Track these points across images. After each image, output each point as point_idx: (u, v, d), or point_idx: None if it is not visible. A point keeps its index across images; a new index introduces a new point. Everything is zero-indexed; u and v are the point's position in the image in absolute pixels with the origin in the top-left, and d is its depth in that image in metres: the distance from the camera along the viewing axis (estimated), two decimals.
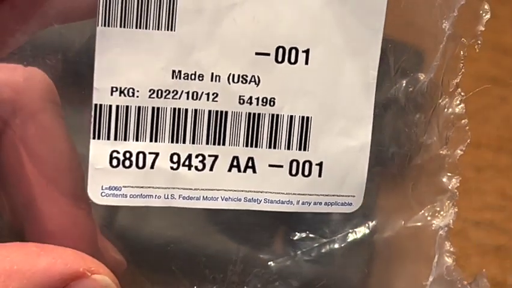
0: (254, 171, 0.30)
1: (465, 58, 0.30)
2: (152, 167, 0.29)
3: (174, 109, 0.29)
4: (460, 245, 0.43)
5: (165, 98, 0.29)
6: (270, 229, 0.33)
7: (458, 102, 0.31)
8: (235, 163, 0.30)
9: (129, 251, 0.32)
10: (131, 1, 0.28)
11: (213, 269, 0.33)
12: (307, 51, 0.29)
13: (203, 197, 0.30)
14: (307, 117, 0.30)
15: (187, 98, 0.29)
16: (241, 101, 0.29)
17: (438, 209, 0.33)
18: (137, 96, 0.29)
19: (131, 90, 0.28)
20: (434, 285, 0.32)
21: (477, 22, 0.30)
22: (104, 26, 0.28)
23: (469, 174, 0.48)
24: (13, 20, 0.28)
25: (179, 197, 0.30)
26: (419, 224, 0.33)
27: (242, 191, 0.30)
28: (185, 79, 0.29)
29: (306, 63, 0.29)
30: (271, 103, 0.30)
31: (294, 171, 0.30)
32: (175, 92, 0.29)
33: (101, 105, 0.28)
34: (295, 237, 0.34)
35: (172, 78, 0.29)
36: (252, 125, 0.30)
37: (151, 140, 0.29)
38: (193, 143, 0.29)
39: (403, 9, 0.30)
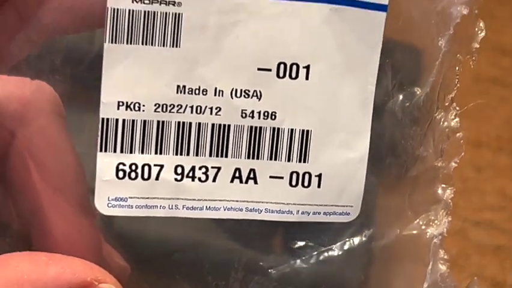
0: (255, 182, 0.30)
1: (463, 63, 0.31)
2: (157, 178, 0.29)
3: (179, 123, 0.29)
4: (460, 245, 0.43)
5: (170, 112, 0.29)
6: (270, 238, 0.33)
7: (453, 116, 0.32)
8: (237, 174, 0.30)
9: (133, 258, 0.32)
10: (137, 19, 0.28)
11: (215, 276, 0.34)
12: (307, 67, 0.29)
13: (206, 207, 0.30)
14: (307, 131, 0.30)
15: (191, 112, 0.29)
16: (244, 115, 0.30)
17: (432, 218, 0.33)
18: (143, 110, 0.29)
19: (137, 105, 0.29)
20: None
21: (472, 39, 0.31)
22: (112, 42, 0.28)
23: (468, 174, 0.48)
24: (17, 28, 0.29)
25: (183, 207, 0.30)
26: (415, 232, 0.33)
27: (244, 201, 0.30)
28: (189, 94, 0.29)
29: (307, 78, 0.30)
30: (273, 117, 0.30)
31: (294, 182, 0.30)
32: (179, 106, 0.29)
33: (108, 119, 0.29)
34: (295, 246, 0.34)
35: (177, 92, 0.29)
36: (254, 138, 0.30)
37: (156, 153, 0.29)
38: (197, 155, 0.30)
39: (401, 26, 0.30)
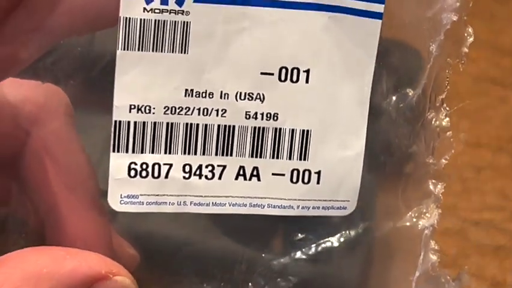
0: (259, 179, 0.31)
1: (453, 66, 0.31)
2: (166, 176, 0.30)
3: (186, 124, 0.30)
4: (460, 245, 0.43)
5: (178, 114, 0.30)
6: (272, 231, 0.34)
7: (443, 116, 0.32)
8: (241, 172, 0.31)
9: (143, 254, 0.33)
10: (148, 28, 0.28)
11: (220, 269, 0.35)
12: (307, 71, 0.30)
13: (212, 203, 0.31)
14: (307, 131, 0.31)
15: (199, 114, 0.30)
16: (248, 116, 0.30)
17: (424, 210, 0.34)
18: (153, 113, 0.30)
19: (147, 108, 0.30)
20: (420, 280, 0.33)
21: (461, 44, 0.31)
22: (124, 50, 0.29)
23: (468, 175, 0.47)
24: (29, 31, 0.29)
25: (190, 203, 0.31)
26: (407, 224, 0.34)
27: (248, 197, 0.31)
28: (196, 97, 0.30)
29: (307, 81, 0.30)
30: (275, 118, 0.31)
31: (294, 179, 0.31)
32: (187, 109, 0.30)
33: (120, 121, 0.29)
34: (296, 238, 0.35)
35: (185, 96, 0.30)
36: (257, 138, 0.31)
37: (165, 152, 0.30)
38: (204, 154, 0.30)
39: (394, 33, 0.31)
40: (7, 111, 0.31)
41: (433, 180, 0.33)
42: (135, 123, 0.30)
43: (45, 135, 0.31)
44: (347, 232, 0.35)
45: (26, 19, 0.28)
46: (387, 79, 0.32)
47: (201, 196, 0.31)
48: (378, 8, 0.30)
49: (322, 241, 0.35)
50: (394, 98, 0.33)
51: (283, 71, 0.30)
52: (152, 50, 0.29)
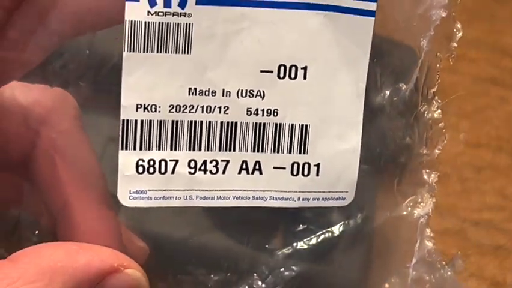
0: (261, 173, 0.32)
1: (441, 70, 0.32)
2: (173, 172, 0.31)
3: (191, 121, 0.31)
4: (459, 245, 0.43)
5: (183, 112, 0.31)
6: (275, 223, 0.35)
7: (435, 108, 0.33)
8: (244, 166, 0.32)
9: (151, 246, 0.34)
10: (152, 30, 0.29)
11: (226, 259, 0.35)
12: (305, 68, 0.31)
13: (217, 196, 0.32)
14: (306, 125, 0.32)
15: (202, 112, 0.31)
16: (249, 113, 0.31)
17: (419, 200, 0.34)
18: (159, 112, 0.30)
19: (153, 106, 0.30)
20: (417, 266, 0.34)
21: (451, 39, 0.32)
22: (130, 51, 0.29)
23: (468, 175, 0.47)
24: (38, 31, 0.29)
25: (196, 197, 0.32)
26: (403, 213, 0.34)
27: (251, 190, 0.32)
28: (200, 95, 0.31)
29: (305, 78, 0.31)
30: (275, 114, 0.31)
31: (295, 172, 0.32)
32: (191, 107, 0.31)
33: (128, 120, 0.30)
34: (297, 229, 0.35)
35: (189, 94, 0.30)
36: (258, 133, 0.31)
37: (171, 149, 0.31)
38: (208, 150, 0.31)
39: (387, 30, 0.32)
40: (17, 113, 0.31)
41: (427, 170, 0.34)
42: (142, 121, 0.30)
43: (55, 136, 0.31)
44: (346, 222, 0.35)
45: (30, 21, 0.29)
46: (381, 74, 0.33)
47: (206, 190, 0.32)
48: (371, 6, 0.31)
49: (323, 231, 0.35)
50: (388, 92, 0.34)
51: (282, 68, 0.31)
52: (157, 51, 0.30)
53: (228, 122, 0.31)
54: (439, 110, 0.33)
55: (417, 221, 0.34)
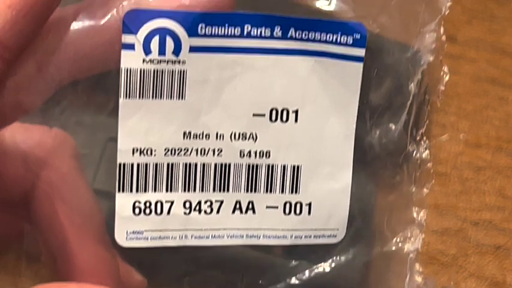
0: (254, 212, 0.32)
1: (432, 106, 0.32)
2: (168, 213, 0.31)
3: (186, 164, 0.31)
4: (459, 245, 0.43)
5: (178, 155, 0.31)
6: (268, 259, 0.35)
7: (423, 149, 0.34)
8: (237, 206, 0.32)
9: (150, 280, 0.34)
10: (147, 77, 0.30)
11: None
12: (296, 111, 0.32)
13: (212, 236, 0.32)
14: (298, 166, 0.32)
15: (197, 154, 0.31)
16: (242, 155, 0.32)
17: (408, 235, 0.35)
18: (155, 155, 0.31)
19: (149, 150, 0.31)
20: None
21: (438, 82, 0.33)
22: (126, 98, 0.30)
23: (468, 175, 0.47)
24: (36, 77, 0.30)
25: (191, 237, 0.32)
26: (393, 248, 0.35)
27: (244, 229, 0.32)
28: (194, 139, 0.31)
29: (296, 121, 0.32)
30: (267, 155, 0.32)
31: (287, 211, 0.32)
32: (186, 150, 0.31)
33: (124, 163, 0.31)
34: (290, 265, 0.36)
35: (184, 138, 0.31)
36: (251, 174, 0.32)
37: (167, 191, 0.31)
38: (202, 191, 0.32)
39: (376, 74, 0.33)
40: (18, 155, 0.32)
41: (416, 208, 0.35)
42: (138, 164, 0.31)
43: (54, 177, 0.32)
44: (338, 258, 0.36)
45: (29, 70, 0.29)
46: (371, 116, 0.33)
47: (201, 230, 0.32)
48: (360, 52, 0.31)
49: (315, 267, 0.36)
50: (377, 133, 0.34)
51: (274, 112, 0.31)
52: (152, 97, 0.30)
53: (221, 164, 0.32)
54: (427, 151, 0.34)
55: (407, 256, 0.35)
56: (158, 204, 0.31)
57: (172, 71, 0.30)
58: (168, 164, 0.31)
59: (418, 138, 0.34)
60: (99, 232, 0.32)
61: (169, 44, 0.30)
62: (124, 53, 0.29)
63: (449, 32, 0.50)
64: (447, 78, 0.32)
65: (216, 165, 0.32)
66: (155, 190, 0.31)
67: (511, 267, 0.43)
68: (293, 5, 0.31)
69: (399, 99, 0.33)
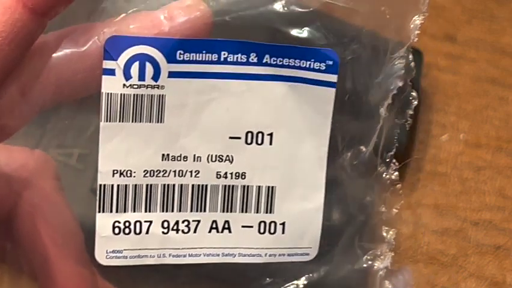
0: (230, 232, 0.33)
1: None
2: (147, 232, 0.32)
3: (164, 185, 0.32)
4: (459, 245, 0.43)
5: (156, 176, 0.32)
6: (243, 277, 0.36)
7: (393, 170, 0.35)
8: (214, 226, 0.33)
9: None
10: (127, 101, 0.30)
11: None
12: (271, 134, 0.32)
13: (189, 254, 0.33)
14: (272, 187, 0.33)
15: (175, 176, 0.32)
16: (218, 176, 0.32)
17: (378, 253, 0.36)
18: (134, 176, 0.31)
19: (128, 172, 0.31)
20: None
21: (407, 106, 0.34)
22: (106, 121, 0.31)
23: (468, 175, 0.46)
24: (19, 101, 0.30)
25: (169, 255, 0.33)
26: (364, 266, 0.35)
27: (220, 247, 0.33)
28: (172, 160, 0.32)
29: (271, 143, 0.32)
30: (243, 177, 0.33)
31: (262, 230, 0.33)
32: (164, 171, 0.32)
33: (104, 185, 0.31)
34: (264, 282, 0.36)
35: (162, 160, 0.32)
36: (227, 195, 0.33)
37: (145, 211, 0.32)
38: (180, 211, 0.32)
39: (347, 99, 0.33)
40: (1, 176, 0.32)
41: (386, 227, 0.35)
42: (118, 186, 0.31)
43: (36, 197, 0.32)
44: (310, 275, 0.36)
45: (12, 95, 0.30)
46: (342, 139, 0.34)
47: (179, 248, 0.33)
48: (332, 78, 0.32)
49: (287, 284, 0.36)
50: (349, 155, 0.35)
51: (249, 135, 0.32)
52: (132, 121, 0.31)
53: (198, 185, 0.32)
54: (397, 172, 0.34)
55: (377, 273, 0.35)
56: (137, 224, 0.32)
57: (152, 96, 0.31)
58: (147, 185, 0.32)
59: (388, 160, 0.35)
60: (79, 251, 0.33)
61: (149, 69, 0.30)
62: (105, 78, 0.30)
63: (449, 32, 0.51)
64: (415, 102, 0.33)
65: (193, 186, 0.32)
66: (134, 210, 0.32)
67: (511, 267, 0.43)
68: (268, 32, 0.32)
69: (370, 123, 0.34)
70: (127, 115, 0.31)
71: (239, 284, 0.36)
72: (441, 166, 0.45)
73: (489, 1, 0.53)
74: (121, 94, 0.30)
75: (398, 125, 0.34)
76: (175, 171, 0.32)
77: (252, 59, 0.32)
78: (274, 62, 0.32)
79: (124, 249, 0.32)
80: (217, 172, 0.32)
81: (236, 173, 0.33)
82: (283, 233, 0.33)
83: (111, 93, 0.30)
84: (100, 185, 0.31)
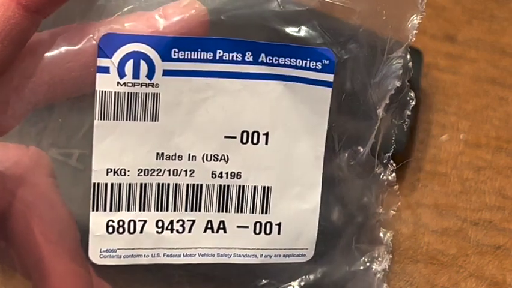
0: (225, 232, 0.33)
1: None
2: (141, 231, 0.32)
3: (158, 184, 0.32)
4: (459, 245, 0.42)
5: (151, 175, 0.31)
6: (239, 278, 0.35)
7: (390, 172, 0.34)
8: (209, 225, 0.32)
9: None
10: (122, 99, 0.30)
11: None
12: (267, 134, 0.32)
13: (183, 254, 0.32)
14: (268, 187, 0.33)
15: (169, 175, 0.32)
16: (213, 176, 0.32)
17: (376, 255, 0.35)
18: (128, 175, 0.31)
19: (123, 171, 0.31)
20: None
21: (405, 107, 0.33)
22: (100, 119, 0.30)
23: (468, 175, 0.46)
24: (14, 100, 0.30)
25: (163, 255, 0.32)
26: (361, 268, 0.35)
27: (215, 248, 0.33)
28: (167, 159, 0.31)
29: (266, 143, 0.32)
30: (238, 176, 0.32)
31: (257, 231, 0.33)
32: (159, 170, 0.31)
33: (98, 183, 0.31)
34: (259, 284, 0.36)
35: (157, 159, 0.31)
36: (223, 195, 0.32)
37: (140, 210, 0.32)
38: (174, 210, 0.32)
39: (345, 98, 0.33)
40: None
41: (383, 229, 0.35)
42: (112, 184, 0.31)
43: (31, 195, 0.32)
44: (307, 277, 0.36)
45: (6, 94, 0.30)
46: (339, 139, 0.34)
47: (173, 248, 0.32)
48: (328, 77, 0.32)
49: (283, 285, 0.36)
50: (346, 155, 0.34)
51: (245, 134, 0.32)
52: (126, 119, 0.31)
53: (193, 185, 0.32)
54: (394, 174, 0.34)
55: (375, 275, 0.35)
56: (132, 223, 0.32)
57: (146, 94, 0.30)
58: (141, 184, 0.31)
59: (385, 161, 0.34)
60: (74, 249, 0.32)
61: (143, 67, 0.30)
62: (99, 76, 0.30)
63: (449, 32, 0.51)
64: (413, 103, 0.33)
65: (188, 185, 0.32)
66: (128, 209, 0.32)
67: (511, 267, 0.42)
68: (264, 31, 0.32)
69: (367, 123, 0.33)
70: (121, 113, 0.30)
71: (234, 285, 0.35)
72: (441, 166, 0.45)
73: (489, 1, 0.53)
74: (115, 92, 0.30)
75: (396, 125, 0.33)
76: (169, 171, 0.32)
77: (248, 58, 0.31)
78: (270, 61, 0.31)
79: (118, 249, 0.32)
80: (212, 172, 0.32)
81: (231, 173, 0.32)
82: (279, 233, 0.33)
83: (105, 91, 0.30)
84: (94, 184, 0.31)
